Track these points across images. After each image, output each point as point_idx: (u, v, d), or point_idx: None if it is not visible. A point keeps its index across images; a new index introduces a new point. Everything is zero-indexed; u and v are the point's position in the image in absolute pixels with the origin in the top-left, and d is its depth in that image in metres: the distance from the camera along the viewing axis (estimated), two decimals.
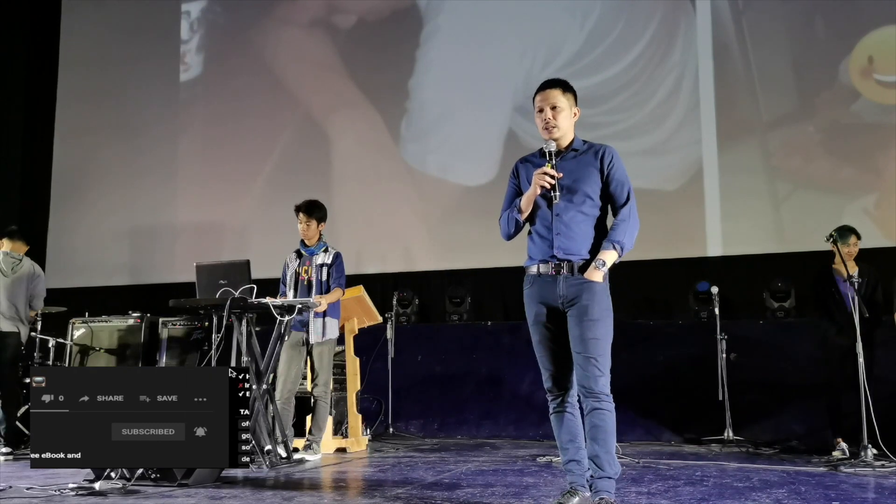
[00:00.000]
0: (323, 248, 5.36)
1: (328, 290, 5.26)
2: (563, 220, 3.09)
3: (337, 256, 5.34)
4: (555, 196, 3.07)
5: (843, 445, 5.14)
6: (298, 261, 5.40)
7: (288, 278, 5.40)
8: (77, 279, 8.68)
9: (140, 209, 8.84)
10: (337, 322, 5.36)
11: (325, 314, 5.21)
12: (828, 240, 5.17)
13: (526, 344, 3.31)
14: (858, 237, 5.26)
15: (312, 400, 5.35)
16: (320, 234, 5.39)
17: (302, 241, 5.40)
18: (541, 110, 3.15)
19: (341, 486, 4.08)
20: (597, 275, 3.03)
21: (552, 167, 3.07)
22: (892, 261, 6.14)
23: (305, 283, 5.33)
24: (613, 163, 3.12)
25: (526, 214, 3.15)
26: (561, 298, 3.07)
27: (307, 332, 5.26)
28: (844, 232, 5.24)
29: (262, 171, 8.51)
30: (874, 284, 5.23)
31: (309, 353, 5.32)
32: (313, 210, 5.35)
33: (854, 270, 5.11)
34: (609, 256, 3.05)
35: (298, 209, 5.35)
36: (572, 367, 3.08)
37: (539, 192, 3.08)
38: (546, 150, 3.12)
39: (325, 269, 5.30)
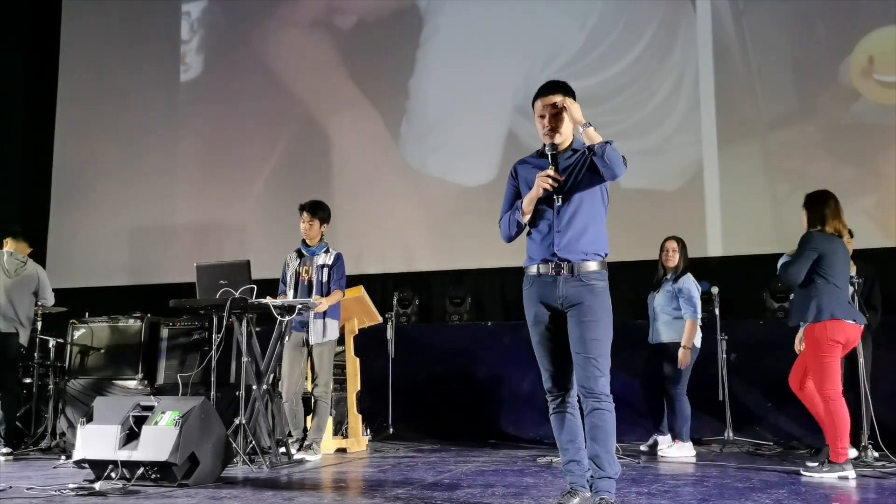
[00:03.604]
0: (324, 249, 5.37)
1: (328, 291, 5.26)
2: (563, 219, 3.10)
3: (338, 258, 5.35)
4: (557, 198, 3.07)
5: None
6: (299, 261, 5.41)
7: (288, 278, 5.41)
8: (77, 279, 8.67)
9: (140, 209, 8.83)
10: (337, 323, 5.38)
11: (325, 315, 5.22)
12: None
13: (526, 344, 3.31)
14: (851, 235, 5.26)
15: (313, 400, 5.37)
16: (322, 235, 5.41)
17: (303, 241, 5.41)
18: (542, 116, 3.14)
19: (341, 487, 4.08)
20: (579, 116, 3.06)
21: (555, 170, 3.07)
22: (893, 261, 6.14)
23: (306, 283, 5.34)
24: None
25: (528, 217, 3.15)
26: (561, 299, 3.08)
27: (307, 332, 5.27)
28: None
29: (262, 172, 8.51)
30: (870, 284, 5.22)
31: (309, 353, 5.33)
32: (317, 210, 5.36)
33: (852, 270, 5.12)
34: (595, 133, 3.04)
35: (303, 208, 5.38)
36: (572, 368, 3.08)
37: (541, 194, 3.08)
38: (547, 153, 3.12)
39: (325, 270, 5.31)
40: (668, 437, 5.44)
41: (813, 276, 4.38)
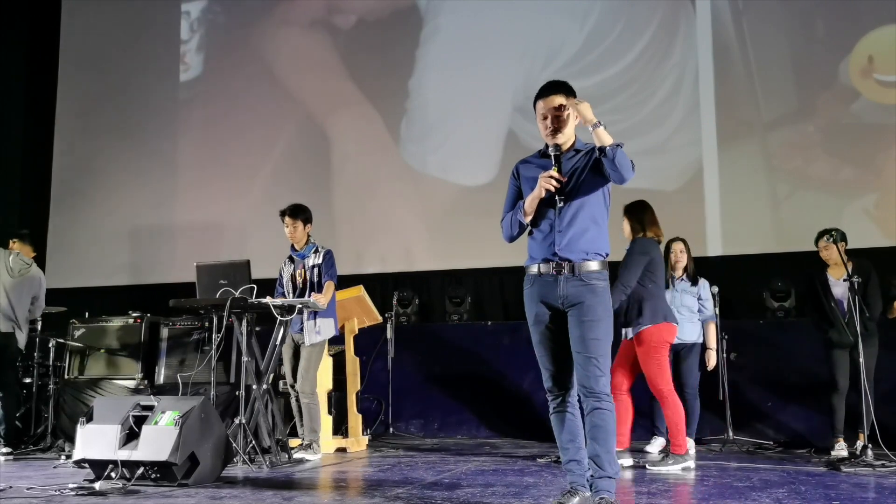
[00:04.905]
0: (313, 250, 5.40)
1: (322, 289, 5.29)
2: (564, 219, 3.09)
3: (327, 254, 5.38)
4: (559, 199, 3.07)
5: (843, 444, 5.15)
6: (292, 266, 5.44)
7: (285, 283, 5.44)
8: (77, 279, 8.67)
9: (140, 209, 8.83)
10: (331, 321, 5.34)
11: (315, 314, 5.23)
12: (828, 241, 5.18)
13: (526, 344, 3.31)
14: (845, 241, 5.24)
15: (296, 401, 5.37)
16: (308, 237, 5.42)
17: (292, 247, 5.44)
18: (544, 117, 3.14)
19: (341, 486, 4.08)
20: (590, 116, 3.04)
21: (557, 170, 3.06)
22: (893, 261, 6.14)
23: (300, 285, 5.37)
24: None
25: (530, 217, 3.15)
26: (561, 299, 3.07)
27: (301, 332, 5.26)
28: (820, 235, 5.31)
29: (262, 171, 8.51)
30: (866, 280, 5.18)
31: (296, 352, 5.34)
32: (297, 213, 5.39)
33: (842, 273, 5.09)
34: (605, 133, 3.02)
35: (283, 213, 5.41)
36: (572, 367, 3.08)
37: (543, 194, 3.08)
38: (550, 153, 3.12)
39: (317, 270, 5.34)
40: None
41: (643, 280, 4.64)
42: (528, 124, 7.51)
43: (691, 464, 4.58)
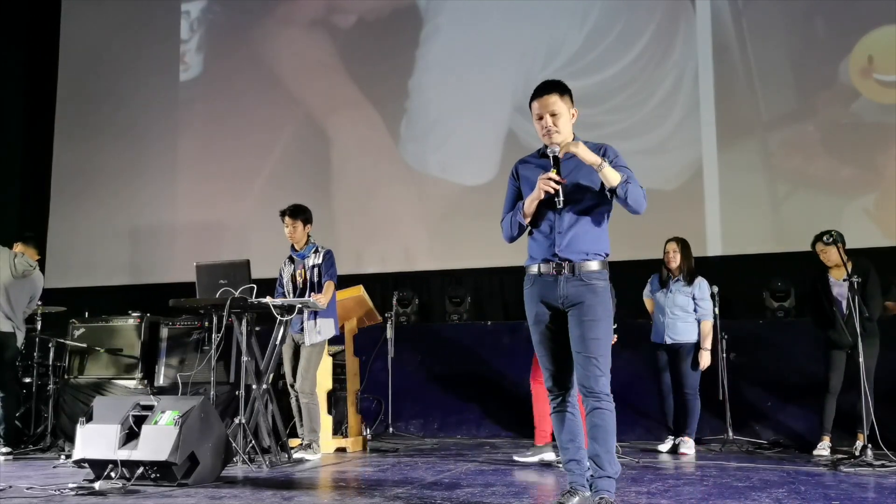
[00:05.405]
0: (313, 250, 5.40)
1: (322, 289, 5.29)
2: (564, 220, 3.09)
3: (327, 254, 5.39)
4: (559, 201, 3.06)
5: (827, 444, 5.16)
6: (292, 266, 5.44)
7: (285, 284, 5.44)
8: (77, 279, 8.68)
9: (140, 209, 8.83)
10: (331, 321, 5.34)
11: (316, 314, 5.23)
12: (828, 241, 5.17)
13: (526, 344, 3.31)
14: (825, 243, 5.22)
15: (296, 400, 5.38)
16: (308, 237, 5.43)
17: (292, 247, 5.44)
18: (540, 117, 3.14)
19: (341, 486, 4.08)
20: (591, 158, 3.01)
21: (556, 172, 3.06)
22: (893, 261, 6.14)
23: (300, 285, 5.37)
24: (615, 160, 3.11)
25: (529, 218, 3.15)
26: (561, 298, 3.07)
27: (301, 332, 5.26)
28: (817, 238, 5.29)
29: (262, 171, 8.51)
30: (865, 279, 5.17)
31: (296, 352, 5.34)
32: (297, 213, 5.40)
33: (844, 274, 5.06)
34: (611, 172, 3.01)
35: (283, 213, 5.41)
36: (572, 367, 3.08)
37: (543, 196, 3.08)
38: (550, 155, 3.11)
39: (317, 270, 5.35)
40: (685, 438, 5.40)
41: None
42: (527, 124, 7.48)
43: (550, 456, 4.78)
